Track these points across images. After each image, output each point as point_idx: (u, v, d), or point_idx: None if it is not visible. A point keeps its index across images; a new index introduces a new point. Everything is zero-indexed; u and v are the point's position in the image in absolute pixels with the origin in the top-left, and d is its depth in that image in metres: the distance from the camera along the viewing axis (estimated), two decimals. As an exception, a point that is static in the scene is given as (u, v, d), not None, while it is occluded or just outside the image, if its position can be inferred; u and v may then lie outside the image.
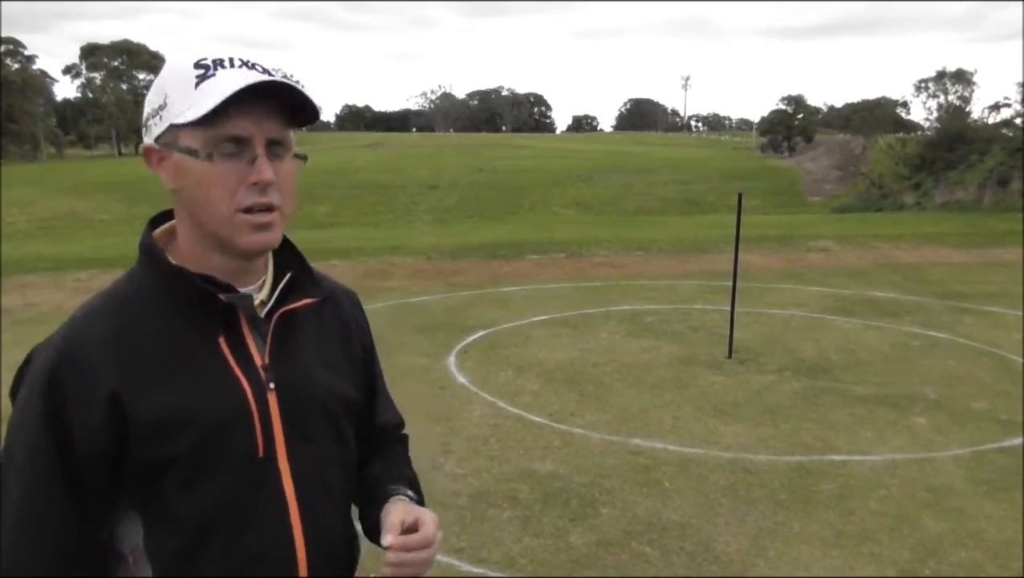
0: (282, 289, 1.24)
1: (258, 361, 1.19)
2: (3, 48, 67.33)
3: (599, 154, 58.71)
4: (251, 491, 1.17)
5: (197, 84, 1.10)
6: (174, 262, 1.17)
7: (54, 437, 1.09)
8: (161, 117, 1.13)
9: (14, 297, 11.07)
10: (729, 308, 8.08)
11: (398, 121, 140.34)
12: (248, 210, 1.13)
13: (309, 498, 1.21)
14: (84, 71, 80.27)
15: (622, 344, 8.50)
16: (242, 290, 1.20)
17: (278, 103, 1.14)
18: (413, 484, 1.44)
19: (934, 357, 8.00)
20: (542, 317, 9.77)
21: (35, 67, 72.22)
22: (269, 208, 1.15)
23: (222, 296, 1.16)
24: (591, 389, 6.92)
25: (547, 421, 6.11)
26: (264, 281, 1.25)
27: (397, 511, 1.28)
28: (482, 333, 8.91)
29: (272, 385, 1.19)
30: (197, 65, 1.12)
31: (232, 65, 1.12)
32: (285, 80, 1.12)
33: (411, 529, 1.26)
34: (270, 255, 1.27)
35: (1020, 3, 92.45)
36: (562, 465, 5.28)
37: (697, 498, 4.79)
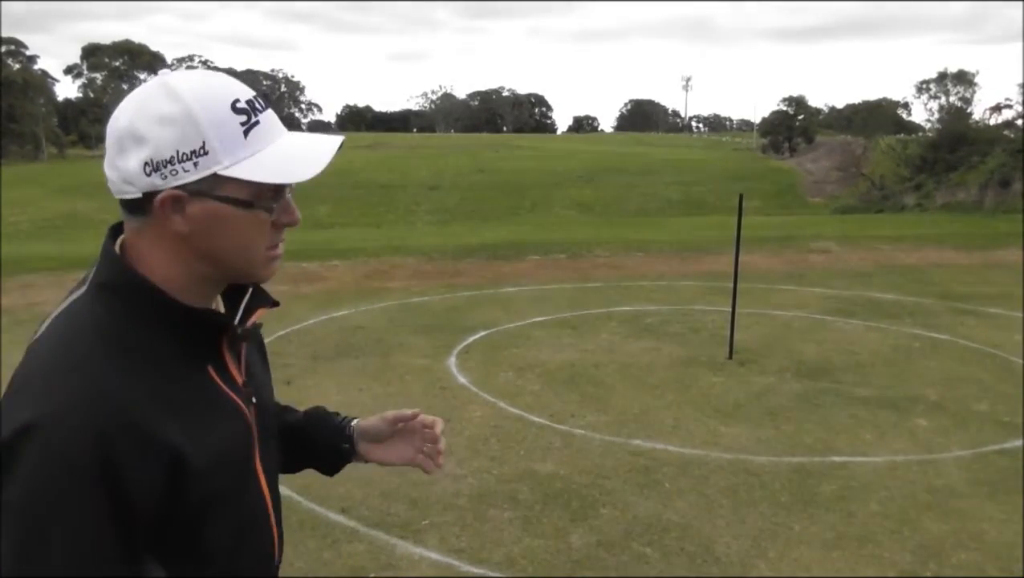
0: (246, 304, 1.23)
1: (238, 380, 1.20)
2: (4, 48, 67.41)
3: (600, 155, 58.70)
4: (251, 501, 1.21)
5: (246, 132, 1.07)
6: (173, 297, 1.11)
7: (116, 511, 0.98)
8: (197, 164, 1.04)
9: (15, 297, 11.08)
10: (730, 309, 8.08)
11: (399, 121, 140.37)
12: (274, 247, 1.15)
13: (274, 496, 1.27)
14: (85, 71, 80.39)
15: (623, 345, 8.49)
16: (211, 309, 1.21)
17: None
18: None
19: (935, 358, 8.00)
20: (543, 318, 9.77)
21: (36, 67, 72.36)
22: (283, 241, 1.19)
23: (234, 323, 1.18)
24: (592, 390, 6.91)
25: (548, 422, 6.11)
26: (217, 304, 1.24)
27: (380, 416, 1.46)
28: (483, 334, 8.91)
29: (253, 400, 1.22)
30: (236, 110, 1.07)
31: (264, 107, 1.11)
32: (332, 148, 1.14)
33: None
34: None
35: (1021, 4, 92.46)
36: (563, 466, 5.27)
37: (698, 499, 4.78)
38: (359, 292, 11.37)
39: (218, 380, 1.15)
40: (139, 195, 1.06)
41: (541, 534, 4.36)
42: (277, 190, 1.11)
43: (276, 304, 1.28)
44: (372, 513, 4.57)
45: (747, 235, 9.21)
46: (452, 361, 7.79)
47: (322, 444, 1.52)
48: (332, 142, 1.15)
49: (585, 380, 7.19)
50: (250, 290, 1.25)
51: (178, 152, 1.03)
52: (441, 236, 19.38)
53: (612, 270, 13.89)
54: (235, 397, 1.17)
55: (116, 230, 1.16)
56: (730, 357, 7.87)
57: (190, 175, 1.04)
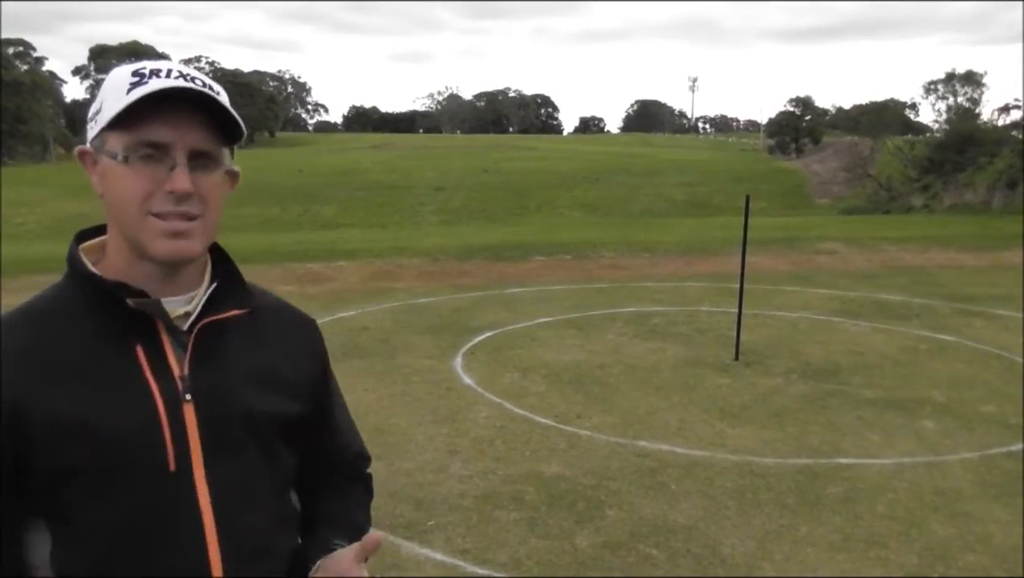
0: (207, 299, 1.21)
1: (176, 372, 1.15)
2: (12, 50, 67.69)
3: (606, 156, 58.67)
4: (162, 505, 1.13)
5: (128, 90, 1.10)
6: (92, 269, 1.16)
7: None
8: (96, 122, 1.15)
9: (21, 297, 11.06)
10: (736, 310, 8.06)
11: (405, 122, 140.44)
12: (161, 216, 1.12)
13: (229, 514, 1.16)
14: (93, 72, 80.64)
15: (628, 346, 8.49)
16: (168, 300, 1.17)
17: (207, 116, 1.14)
18: (354, 531, 1.31)
19: (942, 360, 7.97)
20: (548, 319, 9.77)
21: (44, 68, 72.65)
22: (185, 217, 1.13)
23: (130, 301, 1.13)
24: (597, 391, 6.91)
25: (553, 423, 6.10)
26: (197, 294, 1.22)
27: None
28: (488, 334, 8.91)
29: (188, 396, 1.15)
30: (135, 73, 1.13)
31: (168, 76, 1.12)
32: (199, 88, 1.12)
33: None
34: (208, 268, 1.25)
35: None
36: (568, 467, 5.27)
37: (703, 501, 4.78)
38: (365, 293, 11.38)
39: (143, 361, 1.13)
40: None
41: (547, 535, 4.36)
42: (156, 147, 1.11)
43: (253, 309, 1.25)
44: (377, 514, 4.53)
45: (753, 236, 9.19)
46: (458, 362, 7.79)
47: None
48: (178, 82, 1.13)
49: (591, 381, 7.18)
50: (214, 284, 1.22)
51: (91, 114, 1.17)
52: (447, 237, 19.39)
53: (618, 271, 13.88)
54: (152, 383, 1.13)
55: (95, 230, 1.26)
56: (736, 358, 7.86)
57: (91, 132, 1.16)
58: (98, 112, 1.15)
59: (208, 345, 1.19)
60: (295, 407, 1.28)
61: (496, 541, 4.29)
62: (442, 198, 38.54)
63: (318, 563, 1.22)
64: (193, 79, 1.14)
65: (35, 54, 71.37)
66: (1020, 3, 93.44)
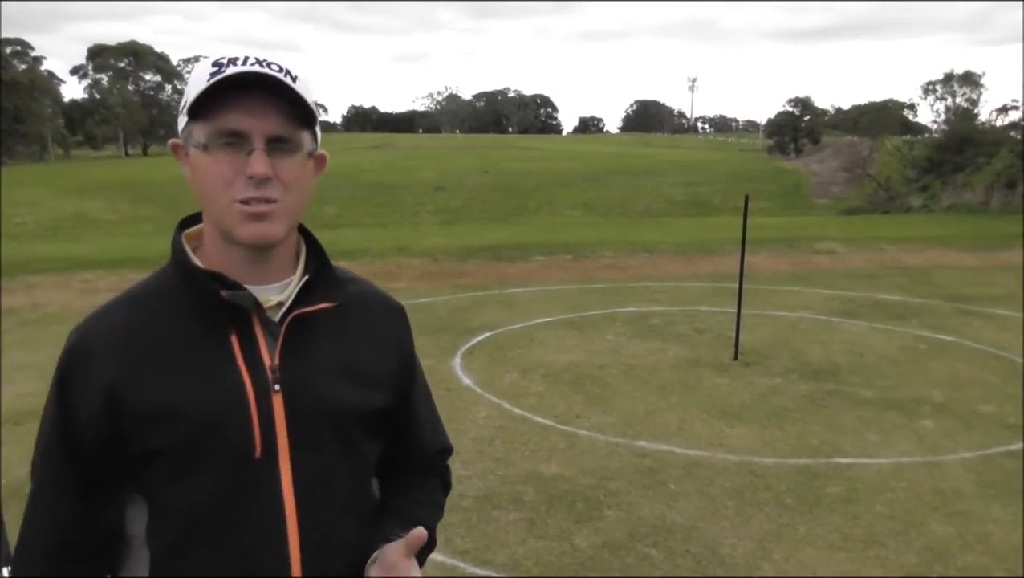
0: (299, 291, 1.23)
1: (267, 362, 1.18)
2: (10, 49, 67.61)
3: (605, 156, 58.66)
4: (245, 491, 1.16)
5: (208, 79, 1.13)
6: (194, 260, 1.21)
7: (64, 424, 1.16)
8: (183, 114, 1.18)
9: (21, 297, 11.11)
10: (735, 310, 8.06)
11: (404, 122, 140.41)
12: (244, 201, 1.15)
13: (310, 504, 1.19)
14: (91, 72, 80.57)
15: (628, 346, 8.49)
16: (261, 288, 1.21)
17: (284, 101, 1.16)
18: (414, 524, 1.25)
19: (941, 360, 7.98)
20: (548, 319, 9.77)
21: (43, 68, 72.57)
22: (265, 200, 1.15)
23: (223, 293, 1.17)
24: (597, 391, 6.91)
25: (552, 423, 6.10)
26: (290, 282, 1.25)
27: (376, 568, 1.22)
28: (488, 334, 8.91)
29: (277, 387, 1.18)
30: (214, 64, 1.15)
31: (244, 63, 1.15)
32: (270, 72, 1.14)
33: None
34: (302, 256, 1.29)
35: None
36: (567, 467, 5.27)
37: (703, 501, 4.78)
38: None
39: (236, 350, 1.18)
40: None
41: (546, 535, 4.35)
42: (235, 135, 1.14)
43: (342, 303, 1.28)
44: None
45: (753, 236, 9.18)
46: (457, 362, 7.79)
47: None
48: (255, 67, 1.15)
49: (590, 381, 7.18)
50: (306, 276, 1.25)
51: (181, 108, 1.19)
52: (446, 237, 19.38)
53: (617, 271, 13.88)
54: (244, 372, 1.17)
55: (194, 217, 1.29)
56: (735, 358, 7.86)
57: (181, 124, 1.19)
58: (184, 104, 1.17)
59: (298, 337, 1.22)
60: (379, 399, 1.30)
61: (495, 541, 4.28)
62: (442, 198, 38.53)
63: (373, 555, 1.24)
64: (269, 64, 1.15)
65: (33, 53, 71.23)
66: (1018, 4, 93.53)
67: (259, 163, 1.13)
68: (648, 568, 4.04)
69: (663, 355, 8.09)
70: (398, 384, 1.36)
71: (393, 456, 1.39)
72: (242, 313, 1.18)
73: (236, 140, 1.14)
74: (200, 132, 1.15)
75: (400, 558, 1.20)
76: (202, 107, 1.13)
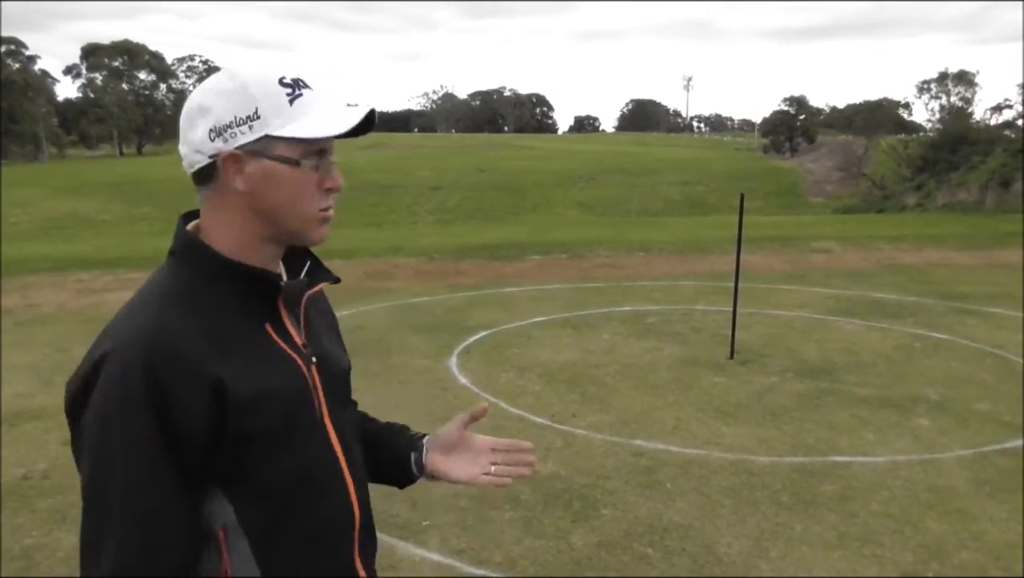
0: (307, 273, 1.40)
1: (298, 340, 1.33)
2: (4, 48, 67.39)
3: (601, 155, 58.69)
4: (317, 454, 1.32)
5: (291, 101, 1.24)
6: (232, 257, 1.28)
7: (159, 428, 1.15)
8: (251, 127, 1.23)
9: (16, 298, 11.08)
10: (731, 309, 8.07)
11: (400, 121, 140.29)
12: (324, 209, 1.30)
13: (350, 455, 1.38)
14: (85, 71, 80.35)
15: (624, 345, 8.49)
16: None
17: None
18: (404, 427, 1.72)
19: (936, 358, 7.99)
20: (544, 318, 9.77)
21: (37, 67, 72.34)
22: (332, 207, 1.32)
23: (282, 282, 1.31)
24: (593, 390, 6.91)
25: (549, 422, 6.10)
26: (281, 269, 1.38)
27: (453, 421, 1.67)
28: (484, 334, 8.91)
29: (314, 360, 1.34)
30: (282, 84, 1.25)
31: (307, 85, 1.27)
32: (365, 120, 1.28)
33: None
34: None
35: (1021, 4, 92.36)
36: (564, 466, 5.27)
37: (699, 499, 4.78)
38: (360, 292, 11.36)
39: (274, 336, 1.29)
40: (206, 160, 1.24)
41: (542, 535, 4.35)
42: (321, 153, 1.27)
43: (337, 280, 1.44)
44: (373, 514, 4.56)
45: (748, 235, 9.20)
46: (453, 361, 7.79)
47: (390, 456, 1.63)
48: (362, 108, 1.29)
49: (586, 380, 7.18)
50: (308, 262, 1.41)
51: (236, 117, 1.22)
52: (442, 236, 19.38)
53: (613, 270, 13.89)
54: (291, 352, 1.30)
55: (188, 216, 1.34)
56: (731, 357, 7.87)
57: (246, 136, 1.22)
58: (252, 118, 1.23)
59: (311, 314, 1.39)
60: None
61: (491, 541, 4.28)
62: (438, 197, 38.55)
63: (424, 442, 1.63)
64: (349, 104, 1.29)
65: (27, 53, 71.00)
66: (1013, 3, 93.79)
67: (340, 176, 1.30)
68: (644, 567, 4.05)
69: (659, 354, 8.10)
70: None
71: None
72: (270, 300, 1.30)
73: (321, 157, 1.27)
74: (292, 149, 1.24)
75: (463, 432, 1.66)
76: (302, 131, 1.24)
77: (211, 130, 1.23)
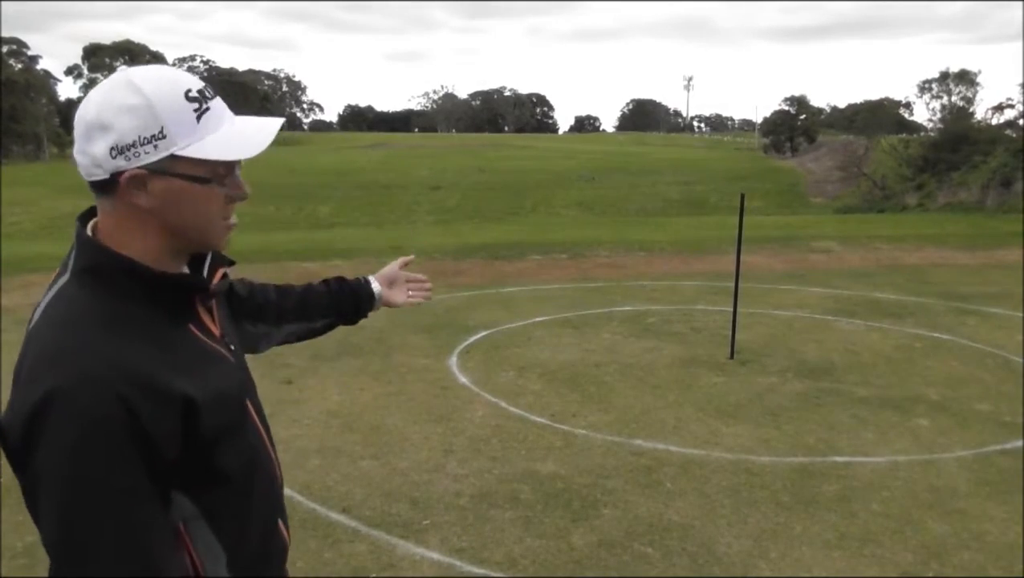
0: (209, 267, 1.40)
1: (216, 333, 1.37)
2: (6, 48, 67.40)
3: (602, 155, 58.70)
4: (253, 432, 1.39)
5: (198, 117, 1.23)
6: (154, 268, 1.26)
7: (144, 463, 1.14)
8: (156, 146, 1.19)
9: (17, 297, 11.09)
10: (731, 309, 8.07)
11: (400, 121, 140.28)
12: (227, 218, 1.31)
13: (267, 430, 1.47)
14: (86, 72, 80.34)
15: (624, 345, 8.49)
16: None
17: None
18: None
19: (937, 359, 7.99)
20: (544, 318, 9.77)
21: (39, 67, 72.35)
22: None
23: (212, 286, 1.35)
24: (593, 390, 6.91)
25: (549, 422, 6.10)
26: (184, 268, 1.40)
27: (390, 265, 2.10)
28: (484, 333, 8.91)
29: (232, 347, 1.40)
30: (188, 98, 1.22)
31: (213, 96, 1.27)
32: (274, 134, 1.31)
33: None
34: None
35: (1021, 3, 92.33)
36: (564, 466, 5.27)
37: (699, 499, 4.78)
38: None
39: (200, 335, 1.32)
40: (107, 176, 1.21)
41: (542, 534, 4.36)
42: (228, 167, 1.27)
43: (232, 262, 1.46)
44: (373, 513, 4.57)
45: (748, 235, 9.20)
46: (453, 361, 7.79)
47: (349, 297, 1.94)
48: (273, 124, 1.31)
49: (586, 380, 7.19)
50: (210, 255, 1.41)
51: (140, 137, 1.19)
52: (442, 236, 19.37)
53: (613, 270, 13.89)
54: (220, 348, 1.35)
55: (85, 217, 1.32)
56: (731, 357, 7.87)
57: (151, 156, 1.19)
58: (158, 137, 1.19)
59: (217, 305, 1.43)
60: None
61: (492, 540, 4.29)
62: (438, 197, 38.54)
63: (370, 279, 2.02)
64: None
65: (29, 53, 71.01)
66: (1013, 2, 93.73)
67: (246, 186, 1.31)
68: (644, 567, 4.05)
69: (659, 354, 8.10)
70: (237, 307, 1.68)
71: (260, 302, 1.79)
72: (187, 302, 1.31)
73: (230, 171, 1.28)
74: (198, 167, 1.23)
75: (399, 271, 2.11)
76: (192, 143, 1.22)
77: (112, 148, 1.19)
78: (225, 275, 1.44)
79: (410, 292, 2.10)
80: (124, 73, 1.23)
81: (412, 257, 2.17)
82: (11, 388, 1.18)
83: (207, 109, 1.23)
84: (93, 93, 1.23)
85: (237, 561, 1.31)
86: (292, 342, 1.90)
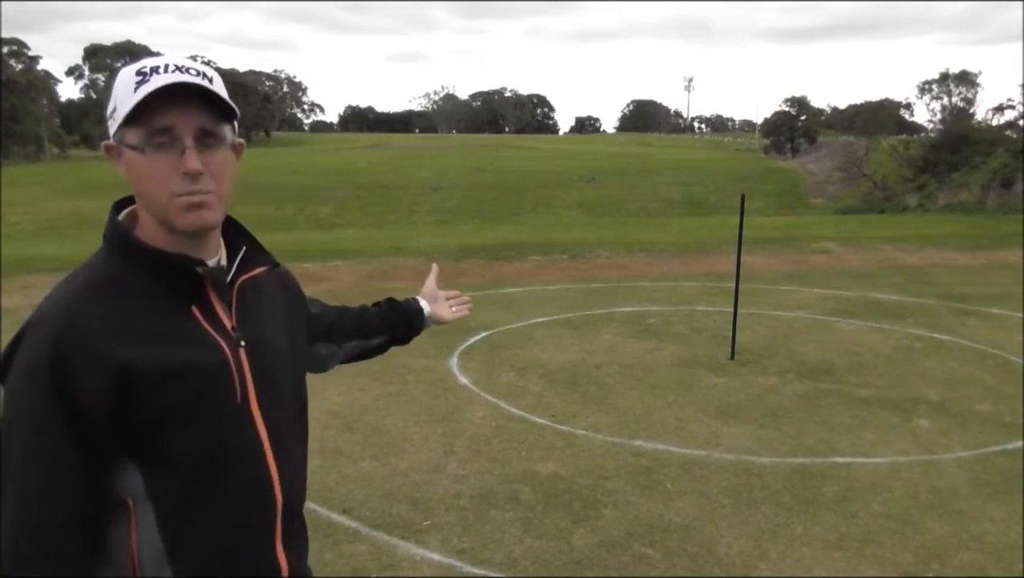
0: (240, 261, 1.42)
1: (227, 324, 1.36)
2: (7, 49, 67.45)
3: (602, 155, 58.69)
4: (234, 433, 1.34)
5: (135, 88, 1.27)
6: (152, 245, 1.32)
7: (62, 410, 1.20)
8: (114, 119, 1.30)
9: (17, 297, 11.08)
10: (732, 310, 8.07)
11: (401, 122, 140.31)
12: (180, 195, 1.29)
13: (278, 438, 1.40)
14: (87, 72, 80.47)
15: (624, 345, 8.49)
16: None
17: (205, 101, 1.30)
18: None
19: (937, 359, 7.99)
20: (544, 318, 9.77)
21: (39, 68, 72.39)
22: (201, 192, 1.30)
23: (199, 269, 1.33)
24: (593, 390, 6.91)
25: (549, 422, 6.10)
26: (219, 258, 1.41)
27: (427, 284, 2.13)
28: (484, 334, 8.91)
29: (243, 343, 1.37)
30: (138, 72, 1.29)
31: (166, 71, 1.28)
32: (193, 79, 1.28)
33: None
34: (221, 235, 1.44)
35: (1021, 3, 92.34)
36: (564, 466, 5.27)
37: (699, 500, 4.78)
38: (361, 292, 11.37)
39: (201, 319, 1.33)
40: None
41: (543, 535, 4.36)
42: (164, 134, 1.27)
43: (275, 264, 1.49)
44: (374, 514, 4.57)
45: (749, 236, 9.20)
46: (454, 361, 7.79)
47: (401, 316, 2.01)
48: (183, 76, 1.29)
49: (587, 381, 7.19)
50: (244, 247, 1.44)
51: (108, 113, 1.32)
52: (443, 236, 19.38)
53: (614, 271, 13.89)
54: (215, 334, 1.34)
55: (121, 203, 1.40)
56: (732, 358, 7.87)
57: (112, 128, 1.31)
58: (114, 111, 1.30)
59: (247, 299, 1.42)
60: (304, 342, 1.64)
61: (492, 541, 4.29)
62: (438, 198, 38.54)
63: (418, 298, 2.07)
64: (187, 70, 1.29)
65: (29, 53, 71.06)
66: (1012, 3, 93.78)
67: (192, 160, 1.27)
68: (645, 567, 4.05)
69: (660, 355, 8.10)
70: (307, 321, 1.69)
71: (328, 335, 1.84)
72: (197, 285, 1.34)
73: (168, 140, 1.27)
74: (133, 136, 1.28)
75: (436, 288, 2.12)
76: (134, 113, 1.26)
77: (108, 126, 1.33)
78: (271, 272, 1.49)
79: (454, 308, 2.14)
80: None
81: (437, 269, 2.19)
82: None
83: (146, 80, 1.27)
84: None
85: (179, 560, 1.29)
86: (352, 361, 2.00)
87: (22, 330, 1.26)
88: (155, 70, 1.28)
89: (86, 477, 1.23)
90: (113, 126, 1.30)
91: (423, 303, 2.06)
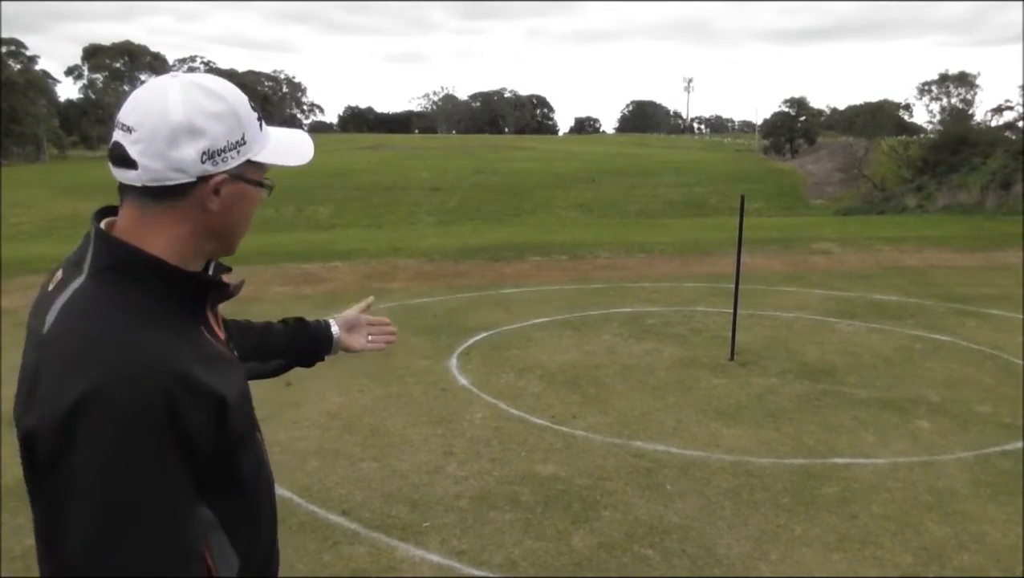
0: (214, 273, 1.41)
1: (221, 336, 1.39)
2: (5, 49, 67.42)
3: (602, 156, 58.74)
4: (263, 446, 1.43)
5: (261, 126, 1.33)
6: (182, 268, 1.27)
7: (182, 454, 1.14)
8: (239, 152, 1.27)
9: (17, 298, 11.08)
10: (731, 310, 8.07)
11: (400, 123, 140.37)
12: None
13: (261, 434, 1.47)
14: (86, 72, 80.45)
15: (624, 346, 8.49)
16: None
17: None
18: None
19: (937, 360, 7.99)
20: (544, 319, 9.76)
21: (38, 68, 72.35)
22: None
23: (231, 286, 1.36)
24: (593, 391, 6.91)
25: (549, 423, 6.10)
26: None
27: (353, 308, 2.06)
28: (484, 335, 8.90)
29: (236, 353, 1.44)
30: (252, 108, 1.31)
31: (258, 110, 1.35)
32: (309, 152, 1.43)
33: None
34: None
35: (1020, 4, 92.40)
36: (564, 467, 5.27)
37: (699, 501, 4.78)
38: (360, 293, 11.32)
39: (210, 337, 1.33)
40: (190, 180, 1.22)
41: (542, 536, 4.35)
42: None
43: (229, 269, 1.47)
44: (373, 515, 4.56)
45: (748, 236, 9.19)
46: (453, 362, 7.79)
47: (308, 339, 1.91)
48: (309, 137, 1.44)
49: (586, 381, 7.18)
50: (213, 264, 1.42)
51: (228, 142, 1.25)
52: (442, 237, 19.36)
53: (613, 271, 13.88)
54: (227, 350, 1.38)
55: (100, 216, 1.30)
56: (731, 358, 7.86)
57: (234, 161, 1.26)
58: (241, 144, 1.27)
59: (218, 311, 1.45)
60: None
61: (492, 542, 4.28)
62: (438, 199, 38.55)
63: (330, 322, 1.97)
64: (312, 132, 1.40)
65: (28, 53, 71.04)
66: (1012, 4, 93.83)
67: None
68: (645, 568, 4.05)
69: (659, 355, 8.10)
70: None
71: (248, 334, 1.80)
72: (199, 304, 1.32)
73: None
74: (258, 172, 1.32)
75: (360, 316, 2.03)
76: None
77: (204, 152, 1.21)
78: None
79: (370, 337, 2.04)
80: (191, 78, 1.25)
81: (372, 300, 2.12)
82: (23, 396, 1.17)
83: (263, 120, 1.34)
84: (169, 98, 1.21)
85: (248, 566, 1.32)
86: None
87: (82, 394, 1.08)
88: (257, 108, 1.33)
89: (200, 517, 1.19)
90: (235, 159, 1.26)
91: (334, 329, 1.97)
